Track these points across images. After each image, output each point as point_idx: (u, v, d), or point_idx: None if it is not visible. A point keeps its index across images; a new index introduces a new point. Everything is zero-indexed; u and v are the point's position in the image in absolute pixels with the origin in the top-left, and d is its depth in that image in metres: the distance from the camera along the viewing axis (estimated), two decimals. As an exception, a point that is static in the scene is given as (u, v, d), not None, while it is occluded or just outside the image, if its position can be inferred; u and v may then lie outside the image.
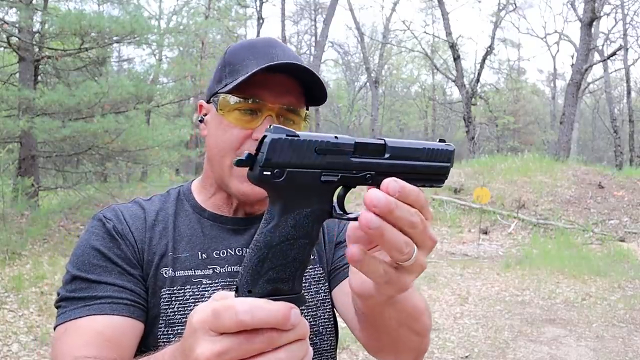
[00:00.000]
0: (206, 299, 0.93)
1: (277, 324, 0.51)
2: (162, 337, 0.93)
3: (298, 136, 0.53)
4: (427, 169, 0.59)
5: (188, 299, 0.95)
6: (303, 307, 0.95)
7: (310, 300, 1.02)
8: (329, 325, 1.04)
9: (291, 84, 0.95)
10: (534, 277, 7.57)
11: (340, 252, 1.06)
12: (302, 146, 0.53)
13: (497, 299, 6.61)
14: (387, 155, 0.57)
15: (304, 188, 0.54)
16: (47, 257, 7.22)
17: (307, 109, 1.02)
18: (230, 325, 0.51)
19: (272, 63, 0.90)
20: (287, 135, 0.53)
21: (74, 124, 8.70)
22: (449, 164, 0.61)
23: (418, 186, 0.56)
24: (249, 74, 0.90)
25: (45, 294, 5.84)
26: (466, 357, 4.84)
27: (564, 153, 16.38)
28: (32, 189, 9.18)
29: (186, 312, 0.94)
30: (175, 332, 0.94)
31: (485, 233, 10.57)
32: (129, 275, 0.93)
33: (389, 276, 0.56)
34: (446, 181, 0.63)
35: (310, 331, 0.98)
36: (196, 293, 0.95)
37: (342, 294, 1.00)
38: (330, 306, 1.05)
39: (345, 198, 0.60)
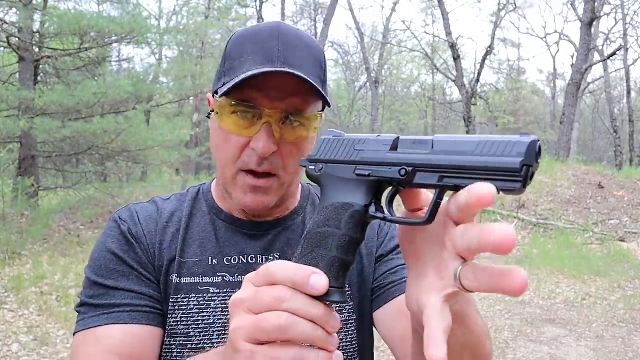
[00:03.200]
0: (212, 309, 0.89)
1: (294, 281, 0.52)
2: (164, 347, 0.89)
3: (342, 135, 0.60)
4: (484, 164, 0.47)
5: (192, 309, 0.89)
6: None
7: None
8: (352, 350, 0.94)
9: (295, 83, 0.82)
10: (534, 277, 7.56)
11: (383, 267, 0.96)
12: (343, 144, 0.59)
13: (497, 299, 6.61)
14: (430, 150, 0.52)
15: (341, 181, 0.58)
16: (47, 257, 7.22)
17: (324, 108, 0.91)
18: (262, 278, 0.54)
19: (260, 70, 0.80)
20: (334, 136, 0.61)
21: (73, 124, 8.71)
22: (518, 159, 0.45)
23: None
24: (237, 79, 0.81)
25: (45, 294, 5.84)
26: (466, 357, 4.84)
27: (564, 153, 16.38)
28: (32, 189, 9.18)
29: (189, 322, 0.88)
30: (178, 342, 0.88)
31: (485, 233, 10.56)
32: (146, 280, 0.89)
33: None
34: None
35: None
36: (201, 302, 0.89)
37: (388, 315, 0.92)
38: (354, 328, 0.95)
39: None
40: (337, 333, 0.89)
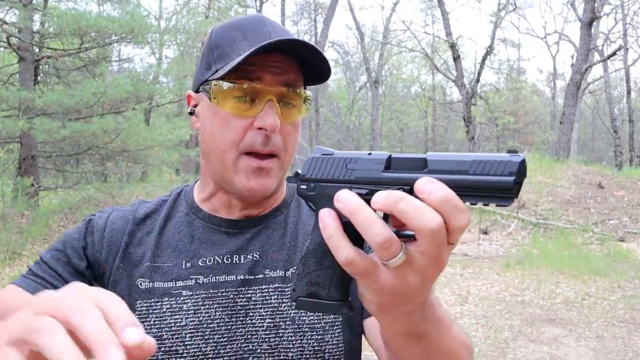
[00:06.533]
0: (184, 312, 0.90)
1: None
2: None
3: (332, 154, 0.61)
4: (480, 184, 0.51)
5: (165, 312, 0.90)
6: (307, 330, 0.91)
7: (316, 322, 0.91)
8: (337, 353, 0.92)
9: (288, 62, 0.87)
10: (534, 277, 7.57)
11: None
12: (334, 162, 0.60)
13: (497, 299, 6.61)
14: (426, 170, 0.54)
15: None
16: (47, 257, 7.22)
17: (305, 89, 0.95)
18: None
19: (270, 40, 0.82)
20: (322, 154, 0.61)
21: (73, 124, 8.72)
22: (511, 178, 0.50)
23: (473, 204, 0.52)
24: (246, 54, 0.81)
25: (45, 294, 5.85)
26: (466, 357, 4.83)
27: (564, 153, 16.39)
28: (32, 189, 9.19)
29: (162, 325, 0.90)
30: None
31: (485, 233, 10.57)
32: (75, 272, 0.94)
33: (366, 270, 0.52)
34: None
35: (315, 358, 0.90)
36: (174, 306, 0.90)
37: (376, 325, 0.90)
38: (340, 330, 0.93)
39: None
40: (323, 335, 0.90)
